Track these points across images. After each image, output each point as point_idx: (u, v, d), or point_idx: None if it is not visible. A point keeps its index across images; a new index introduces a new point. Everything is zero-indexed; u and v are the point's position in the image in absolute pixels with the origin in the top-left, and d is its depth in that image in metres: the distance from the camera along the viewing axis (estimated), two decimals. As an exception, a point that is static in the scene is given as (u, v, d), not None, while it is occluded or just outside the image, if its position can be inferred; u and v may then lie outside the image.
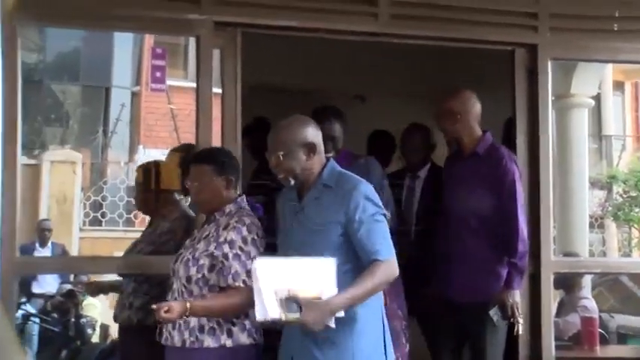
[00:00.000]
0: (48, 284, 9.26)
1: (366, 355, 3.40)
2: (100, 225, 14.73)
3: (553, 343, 4.74)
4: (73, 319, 7.78)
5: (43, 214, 12.51)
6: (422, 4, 4.68)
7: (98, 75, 16.95)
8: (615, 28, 4.99)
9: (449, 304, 4.43)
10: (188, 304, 3.39)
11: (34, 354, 6.92)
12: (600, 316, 5.75)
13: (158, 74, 15.25)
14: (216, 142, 4.43)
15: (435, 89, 4.91)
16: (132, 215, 14.62)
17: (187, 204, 4.64)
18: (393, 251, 3.44)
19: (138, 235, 4.93)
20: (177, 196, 4.68)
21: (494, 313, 4.27)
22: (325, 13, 4.53)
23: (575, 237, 6.21)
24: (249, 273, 3.43)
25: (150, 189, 4.73)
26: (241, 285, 3.49)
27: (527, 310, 4.66)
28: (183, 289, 3.59)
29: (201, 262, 3.56)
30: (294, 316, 3.19)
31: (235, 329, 3.55)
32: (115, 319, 4.76)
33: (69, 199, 13.93)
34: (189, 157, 4.16)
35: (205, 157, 3.76)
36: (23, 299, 7.23)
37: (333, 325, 3.24)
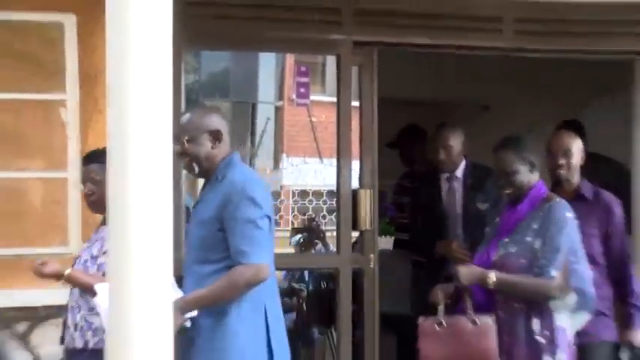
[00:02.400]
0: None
1: (242, 354, 3.11)
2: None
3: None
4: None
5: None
6: (543, 19, 4.56)
7: (245, 92, 17.29)
8: None
9: None
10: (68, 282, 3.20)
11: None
12: None
13: (302, 90, 15.51)
14: (354, 150, 4.46)
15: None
16: (277, 216, 14.86)
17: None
18: (264, 256, 3.11)
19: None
20: None
21: (624, 356, 3.91)
22: (454, 30, 4.49)
23: None
24: None
25: None
26: None
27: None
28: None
29: (100, 260, 3.25)
30: None
31: None
32: None
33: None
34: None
35: (91, 157, 3.38)
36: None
37: (188, 324, 3.03)
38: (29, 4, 3.92)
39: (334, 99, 4.57)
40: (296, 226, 11.88)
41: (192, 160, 3.22)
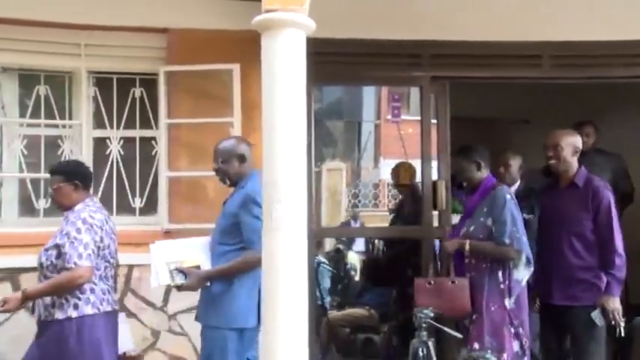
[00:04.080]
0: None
1: (238, 313, 3.02)
2: (357, 207, 15.04)
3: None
4: (342, 265, 7.90)
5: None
6: (572, 55, 4.34)
7: (354, 114, 17.29)
8: None
9: (548, 307, 3.60)
10: (21, 292, 2.96)
11: (326, 285, 7.01)
12: None
13: (396, 112, 15.48)
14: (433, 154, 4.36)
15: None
16: (376, 200, 14.81)
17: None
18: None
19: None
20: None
21: (595, 315, 3.38)
22: (506, 66, 4.33)
23: None
24: (80, 256, 2.92)
25: None
26: (73, 266, 2.91)
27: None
28: (40, 272, 3.05)
29: (50, 252, 3.01)
30: (180, 281, 3.02)
31: (80, 302, 2.96)
32: None
33: (338, 192, 14.34)
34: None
35: (55, 169, 3.18)
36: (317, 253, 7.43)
37: (208, 284, 3.04)
38: (211, 59, 4.02)
39: (417, 117, 4.49)
40: (390, 207, 11.82)
41: (224, 174, 3.18)
